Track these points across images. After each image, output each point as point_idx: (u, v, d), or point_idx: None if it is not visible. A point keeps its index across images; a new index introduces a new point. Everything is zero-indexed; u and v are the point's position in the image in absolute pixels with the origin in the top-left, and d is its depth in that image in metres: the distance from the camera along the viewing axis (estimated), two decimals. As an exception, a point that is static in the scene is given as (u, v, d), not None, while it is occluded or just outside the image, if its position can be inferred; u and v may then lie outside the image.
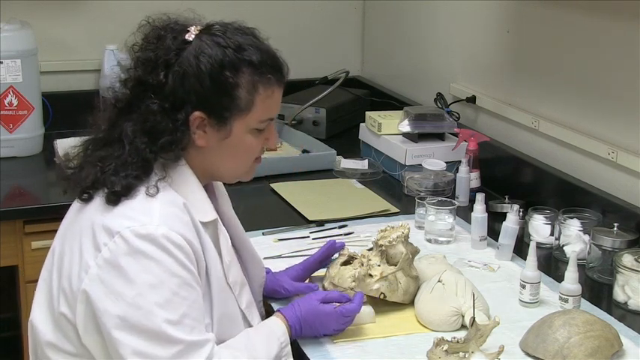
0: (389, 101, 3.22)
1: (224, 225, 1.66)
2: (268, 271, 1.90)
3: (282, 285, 1.87)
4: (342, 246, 1.96)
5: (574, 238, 2.12)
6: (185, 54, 1.54)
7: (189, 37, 1.56)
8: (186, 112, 1.54)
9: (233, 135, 1.58)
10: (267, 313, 1.84)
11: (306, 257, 1.96)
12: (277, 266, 1.98)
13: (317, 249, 1.97)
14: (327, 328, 1.72)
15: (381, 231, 1.90)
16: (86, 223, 1.53)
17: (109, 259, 1.46)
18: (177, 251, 1.48)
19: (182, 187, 1.57)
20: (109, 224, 1.49)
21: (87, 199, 1.57)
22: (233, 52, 1.55)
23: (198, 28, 1.58)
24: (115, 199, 1.51)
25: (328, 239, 2.01)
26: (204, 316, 1.53)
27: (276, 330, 1.65)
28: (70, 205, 1.66)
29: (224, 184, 1.79)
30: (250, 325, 1.68)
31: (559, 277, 1.95)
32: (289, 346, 1.65)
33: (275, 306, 1.85)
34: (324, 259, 1.94)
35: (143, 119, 1.53)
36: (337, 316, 1.71)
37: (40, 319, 1.59)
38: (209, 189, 1.69)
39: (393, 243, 1.84)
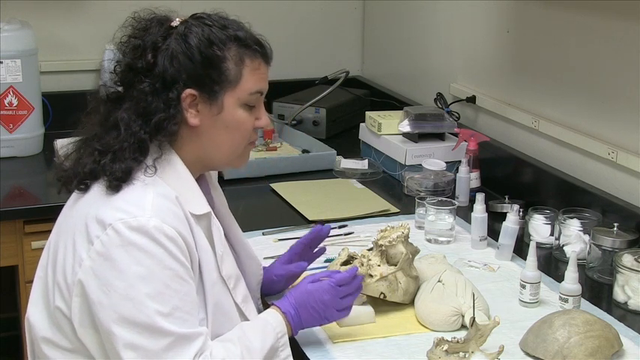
0: (389, 101, 3.22)
1: (217, 219, 1.66)
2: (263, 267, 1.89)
3: (273, 272, 1.87)
4: (327, 231, 1.91)
5: (574, 238, 2.12)
6: (173, 36, 1.58)
7: (175, 23, 1.60)
8: (178, 90, 1.56)
9: (225, 110, 1.60)
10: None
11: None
12: (277, 266, 1.98)
13: (316, 249, 1.95)
14: (324, 304, 1.66)
15: (381, 231, 1.90)
16: (79, 216, 1.54)
17: (101, 251, 1.47)
18: (169, 243, 1.48)
19: (173, 179, 1.57)
20: (102, 216, 1.49)
21: (84, 189, 1.58)
22: (219, 29, 1.59)
23: (183, 17, 1.62)
24: (116, 184, 1.52)
25: (327, 239, 1.98)
26: (197, 309, 1.53)
27: (271, 320, 1.63)
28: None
29: (221, 186, 1.79)
30: (247, 320, 1.66)
31: (559, 277, 1.95)
32: (286, 337, 1.63)
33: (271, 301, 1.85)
34: (310, 242, 1.90)
35: (136, 102, 1.56)
36: (329, 288, 1.67)
37: (35, 316, 1.59)
38: (202, 183, 1.69)
39: (393, 243, 1.84)
